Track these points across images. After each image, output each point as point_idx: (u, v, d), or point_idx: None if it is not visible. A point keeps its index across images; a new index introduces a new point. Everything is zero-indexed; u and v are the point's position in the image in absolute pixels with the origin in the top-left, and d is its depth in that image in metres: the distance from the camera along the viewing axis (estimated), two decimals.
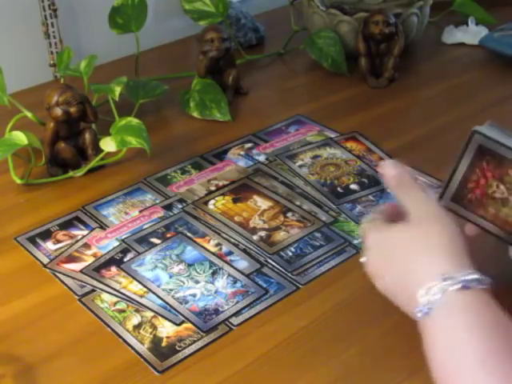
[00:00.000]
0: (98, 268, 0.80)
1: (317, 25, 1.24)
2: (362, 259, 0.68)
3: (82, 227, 0.87)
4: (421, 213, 0.65)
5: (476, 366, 0.54)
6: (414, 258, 0.62)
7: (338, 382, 0.67)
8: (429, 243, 0.62)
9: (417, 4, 1.22)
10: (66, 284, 0.79)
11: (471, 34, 1.30)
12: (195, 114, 1.10)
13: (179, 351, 0.70)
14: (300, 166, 0.97)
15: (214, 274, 0.79)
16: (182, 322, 0.73)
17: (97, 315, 0.74)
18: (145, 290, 0.77)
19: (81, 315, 0.75)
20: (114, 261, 0.82)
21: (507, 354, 0.54)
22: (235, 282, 0.78)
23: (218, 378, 0.68)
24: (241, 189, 0.93)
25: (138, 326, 0.73)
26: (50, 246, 0.85)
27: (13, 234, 0.87)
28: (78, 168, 0.97)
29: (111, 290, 0.77)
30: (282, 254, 0.82)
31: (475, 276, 0.58)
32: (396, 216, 0.68)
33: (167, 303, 0.75)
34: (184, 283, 0.78)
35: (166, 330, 0.72)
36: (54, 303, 0.77)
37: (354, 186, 0.93)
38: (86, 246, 0.84)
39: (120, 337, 0.72)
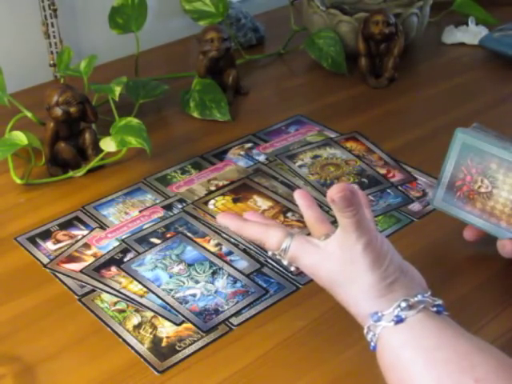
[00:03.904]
0: (98, 268, 0.80)
1: (317, 25, 1.24)
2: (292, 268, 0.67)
3: (82, 227, 0.87)
4: (345, 252, 0.62)
5: None
6: (348, 296, 0.62)
7: (338, 382, 0.67)
8: (357, 284, 0.61)
9: (417, 4, 1.22)
10: (66, 284, 0.79)
11: (471, 33, 1.30)
12: (195, 114, 1.10)
13: (179, 351, 0.70)
14: (300, 166, 0.97)
15: (214, 274, 0.79)
16: (182, 322, 0.73)
17: (97, 315, 0.74)
18: (145, 289, 0.77)
19: (81, 315, 0.75)
20: (114, 261, 0.82)
21: (456, 371, 0.54)
22: (235, 282, 0.78)
23: (218, 378, 0.68)
24: (241, 189, 0.93)
25: (137, 326, 0.73)
26: (49, 246, 0.85)
27: (13, 234, 0.87)
28: (78, 168, 0.97)
29: (111, 290, 0.77)
30: None
31: (403, 304, 0.59)
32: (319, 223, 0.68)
33: (167, 303, 0.75)
34: (184, 283, 0.78)
35: (166, 329, 0.72)
36: (54, 303, 0.77)
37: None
38: (86, 245, 0.84)
39: (120, 337, 0.72)
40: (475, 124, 0.79)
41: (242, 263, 0.81)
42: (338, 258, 0.61)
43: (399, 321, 0.58)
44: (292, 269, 0.67)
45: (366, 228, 0.60)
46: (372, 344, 0.60)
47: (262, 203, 0.90)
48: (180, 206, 0.90)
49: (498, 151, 0.73)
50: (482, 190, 0.75)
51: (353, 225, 0.59)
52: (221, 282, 0.78)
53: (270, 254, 0.67)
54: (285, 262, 0.65)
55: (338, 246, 0.61)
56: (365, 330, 0.61)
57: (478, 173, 0.75)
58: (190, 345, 0.71)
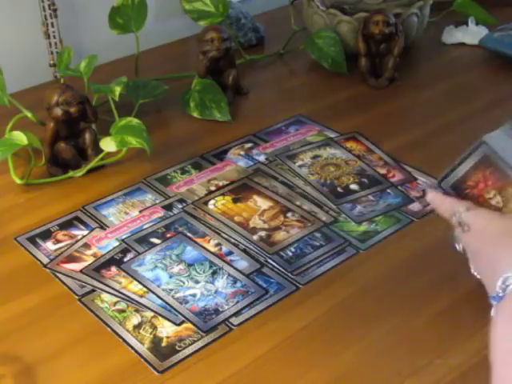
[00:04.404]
0: (98, 268, 0.80)
1: (317, 25, 1.24)
2: (457, 245, 0.72)
3: (82, 227, 0.87)
4: None
5: None
6: (503, 249, 0.64)
7: (338, 382, 0.67)
8: None
9: (417, 4, 1.22)
10: (65, 284, 0.79)
11: (471, 33, 1.30)
12: (195, 114, 1.10)
13: (179, 351, 0.70)
14: (300, 166, 0.97)
15: (213, 273, 0.79)
16: (182, 322, 0.73)
17: (97, 315, 0.74)
18: (145, 289, 0.77)
19: (81, 315, 0.75)
20: (114, 261, 0.82)
21: None
22: (235, 282, 0.78)
23: (218, 377, 0.68)
24: (241, 189, 0.93)
25: (137, 326, 0.73)
26: (50, 246, 0.85)
27: (13, 234, 0.87)
28: (78, 168, 0.97)
29: (111, 290, 0.77)
30: (281, 253, 0.82)
31: None
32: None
33: (167, 303, 0.75)
34: (184, 283, 0.78)
35: (166, 330, 0.72)
36: (54, 303, 0.77)
37: (353, 186, 0.93)
38: (86, 245, 0.84)
39: (120, 337, 0.72)
40: (507, 125, 0.72)
41: (242, 263, 0.81)
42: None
43: None
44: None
45: None
46: (498, 296, 0.60)
47: (262, 203, 0.90)
48: (180, 206, 0.90)
49: None
50: (493, 202, 0.71)
51: None
52: (221, 282, 0.78)
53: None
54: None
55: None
56: (500, 280, 0.61)
57: (494, 187, 0.70)
58: (189, 345, 0.71)
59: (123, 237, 0.85)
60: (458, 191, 0.73)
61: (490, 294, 0.63)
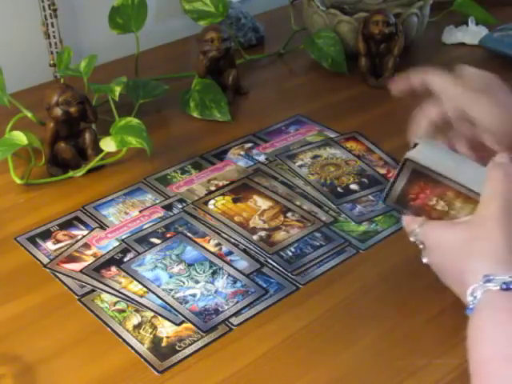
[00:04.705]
0: (98, 268, 0.80)
1: (317, 25, 1.24)
2: (424, 260, 0.69)
3: (82, 227, 0.87)
4: (486, 211, 0.64)
5: (502, 361, 0.55)
6: (468, 260, 0.63)
7: (338, 382, 0.67)
8: (482, 246, 0.62)
9: (417, 4, 1.22)
10: (65, 284, 0.79)
11: (471, 34, 1.30)
12: (195, 114, 1.10)
13: (179, 351, 0.70)
14: (300, 166, 0.97)
15: (213, 274, 0.79)
16: (182, 322, 0.73)
17: (97, 315, 0.74)
18: (145, 289, 0.77)
19: (81, 315, 0.75)
20: (114, 261, 0.82)
21: None
22: (235, 282, 0.78)
23: (218, 377, 0.68)
24: (241, 189, 0.93)
25: (137, 326, 0.73)
26: (50, 246, 0.85)
27: (13, 234, 0.87)
28: (78, 168, 0.97)
29: (111, 290, 0.77)
30: (281, 253, 0.82)
31: None
32: None
33: (167, 303, 0.75)
34: (184, 283, 0.78)
35: (166, 329, 0.72)
36: (54, 303, 0.77)
37: (353, 186, 0.93)
38: (86, 245, 0.84)
39: (120, 337, 0.72)
40: (419, 140, 0.74)
41: (242, 263, 0.81)
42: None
43: (506, 288, 0.59)
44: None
45: None
46: (470, 307, 0.60)
47: (262, 203, 0.90)
48: (180, 206, 0.90)
49: (453, 181, 0.68)
50: (438, 207, 0.70)
51: None
52: (221, 282, 0.78)
53: None
54: None
55: None
56: (468, 292, 0.61)
57: (433, 195, 0.70)
58: (189, 345, 0.71)
59: (123, 237, 0.85)
60: (403, 205, 0.72)
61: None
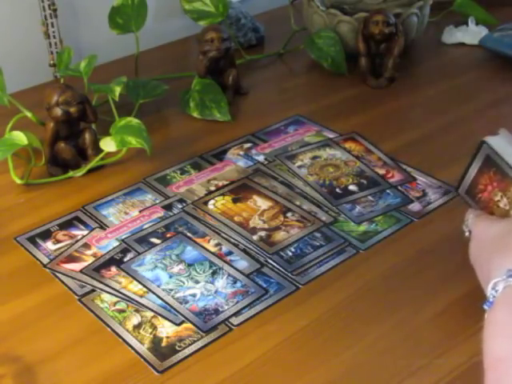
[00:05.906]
0: (98, 268, 0.81)
1: (317, 25, 1.24)
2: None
3: (81, 227, 0.87)
4: None
5: None
6: (497, 254, 0.64)
7: (338, 382, 0.67)
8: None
9: (417, 4, 1.22)
10: (65, 284, 0.79)
11: (471, 33, 1.30)
12: (195, 114, 1.10)
13: (179, 351, 0.70)
14: (299, 167, 0.97)
15: (213, 274, 0.79)
16: (182, 322, 0.73)
17: (97, 315, 0.74)
18: (145, 289, 0.77)
19: (81, 315, 0.75)
20: (114, 261, 0.82)
21: None
22: (235, 282, 0.78)
23: (218, 377, 0.68)
24: (240, 189, 0.93)
25: (137, 326, 0.73)
26: (50, 246, 0.85)
27: (13, 234, 0.87)
28: (77, 168, 0.97)
29: (111, 290, 0.77)
30: (281, 253, 0.82)
31: None
32: None
33: (167, 303, 0.75)
34: (184, 283, 0.78)
35: (166, 329, 0.72)
36: (54, 303, 0.77)
37: (352, 187, 0.93)
38: (86, 245, 0.84)
39: (120, 337, 0.72)
40: (503, 130, 0.74)
41: (242, 263, 0.81)
42: None
43: None
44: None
45: None
46: (489, 301, 0.60)
47: (262, 203, 0.90)
48: (180, 206, 0.90)
49: None
50: (501, 205, 0.71)
51: None
52: (221, 282, 0.78)
53: None
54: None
55: None
56: (490, 285, 0.61)
57: (499, 188, 0.71)
58: (189, 345, 0.71)
59: (123, 237, 0.85)
60: (472, 197, 0.74)
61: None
